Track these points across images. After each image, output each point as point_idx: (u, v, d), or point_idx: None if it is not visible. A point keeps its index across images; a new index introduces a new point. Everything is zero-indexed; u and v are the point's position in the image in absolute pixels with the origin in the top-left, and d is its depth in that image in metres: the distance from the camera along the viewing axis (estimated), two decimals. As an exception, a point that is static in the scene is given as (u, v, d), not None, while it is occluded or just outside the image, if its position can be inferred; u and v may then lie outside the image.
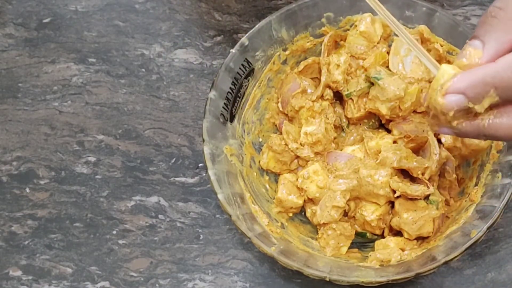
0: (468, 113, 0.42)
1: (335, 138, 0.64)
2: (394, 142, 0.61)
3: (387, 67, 0.63)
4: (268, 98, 0.66)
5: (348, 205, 0.61)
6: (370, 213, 0.60)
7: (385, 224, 0.61)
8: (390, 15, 0.49)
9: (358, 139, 0.64)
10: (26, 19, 0.77)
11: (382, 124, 0.64)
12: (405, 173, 0.60)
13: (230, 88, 0.62)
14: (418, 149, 0.61)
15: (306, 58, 0.65)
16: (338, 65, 0.62)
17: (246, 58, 0.63)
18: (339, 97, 0.65)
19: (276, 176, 0.65)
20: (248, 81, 0.64)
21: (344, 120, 0.65)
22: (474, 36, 0.43)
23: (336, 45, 0.66)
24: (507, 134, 0.43)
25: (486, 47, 0.43)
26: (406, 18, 0.63)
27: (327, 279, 0.54)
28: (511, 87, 0.41)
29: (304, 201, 0.62)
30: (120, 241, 0.66)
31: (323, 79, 0.63)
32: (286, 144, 0.63)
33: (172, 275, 0.64)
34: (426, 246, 0.58)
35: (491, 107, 0.42)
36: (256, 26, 0.62)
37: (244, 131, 0.64)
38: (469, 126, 0.43)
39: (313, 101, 0.63)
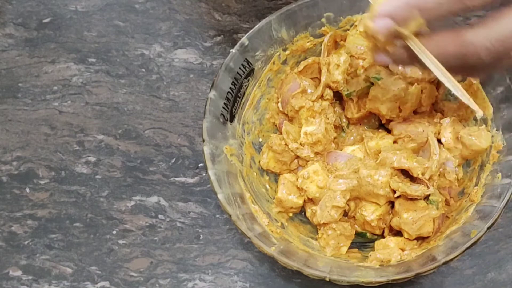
0: (399, 37, 0.44)
1: (335, 138, 0.64)
2: (394, 142, 0.61)
3: (387, 67, 0.63)
4: (268, 98, 0.66)
5: (348, 205, 0.61)
6: (370, 213, 0.60)
7: (385, 224, 0.61)
8: None
9: (358, 139, 0.64)
10: (26, 19, 0.77)
11: (382, 124, 0.64)
12: (405, 173, 0.60)
13: (230, 88, 0.62)
14: (418, 149, 0.61)
15: (306, 58, 0.65)
16: (338, 65, 0.62)
17: (246, 58, 0.63)
18: (339, 97, 0.65)
19: (276, 176, 0.65)
20: (248, 81, 0.64)
21: (344, 120, 0.65)
22: None
23: (336, 45, 0.66)
24: (437, 55, 0.44)
25: None
26: (406, 18, 0.63)
27: (327, 279, 0.54)
28: (434, 8, 0.42)
29: (304, 201, 0.62)
30: (120, 241, 0.66)
31: (323, 79, 0.63)
32: (286, 144, 0.63)
33: (172, 275, 0.64)
34: (426, 246, 0.58)
35: (421, 33, 0.44)
36: (256, 26, 0.62)
37: (244, 131, 0.64)
38: (402, 50, 0.45)
39: (313, 101, 0.63)
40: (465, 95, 0.45)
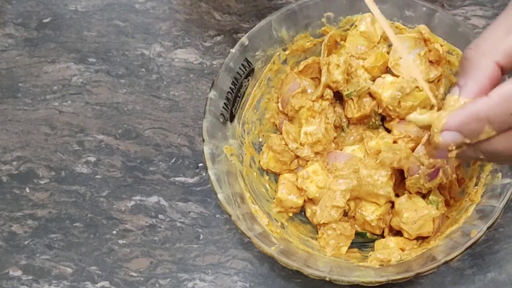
0: (467, 144, 0.42)
1: (335, 138, 0.64)
2: (394, 142, 0.61)
3: (387, 67, 0.63)
4: (268, 98, 0.66)
5: (348, 205, 0.61)
6: (370, 213, 0.60)
7: (385, 224, 0.61)
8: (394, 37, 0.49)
9: (358, 139, 0.64)
10: (26, 19, 0.77)
11: (382, 124, 0.64)
12: (402, 174, 0.60)
13: (230, 88, 0.62)
14: (418, 149, 0.61)
15: (306, 58, 0.65)
16: (338, 65, 0.62)
17: (246, 58, 0.63)
18: (339, 97, 0.65)
19: (276, 176, 0.65)
20: (248, 81, 0.64)
21: (344, 120, 0.65)
22: (454, 84, 0.44)
23: (336, 45, 0.66)
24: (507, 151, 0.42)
25: (464, 89, 0.42)
26: (406, 18, 0.63)
27: (327, 279, 0.54)
28: (507, 120, 0.40)
29: (304, 201, 0.62)
30: (120, 241, 0.66)
31: (323, 79, 0.63)
32: (286, 144, 0.63)
33: (172, 275, 0.64)
34: (426, 246, 0.58)
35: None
36: (256, 26, 0.62)
37: (244, 131, 0.64)
38: (468, 151, 0.43)
39: (313, 101, 0.63)
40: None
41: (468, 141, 0.41)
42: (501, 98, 0.40)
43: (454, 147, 0.42)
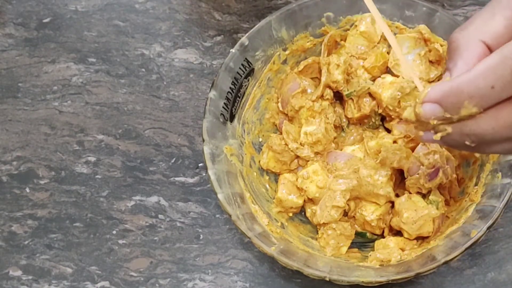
0: (450, 121, 0.41)
1: (335, 138, 0.64)
2: (394, 142, 0.61)
3: (387, 67, 0.63)
4: (268, 98, 0.66)
5: (348, 205, 0.61)
6: (370, 213, 0.60)
7: (385, 224, 0.61)
8: (386, 27, 0.48)
9: (358, 139, 0.64)
10: (26, 19, 0.77)
11: (382, 124, 0.64)
12: (403, 173, 0.60)
13: (230, 88, 0.62)
14: (418, 149, 0.61)
15: (306, 58, 0.65)
16: (338, 65, 0.62)
17: (246, 58, 0.63)
18: (339, 97, 0.65)
19: (276, 176, 0.65)
20: (248, 81, 0.64)
21: (344, 120, 0.65)
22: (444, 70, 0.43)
23: (336, 45, 0.66)
24: (494, 132, 0.40)
25: (454, 71, 0.42)
26: (406, 18, 0.63)
27: (327, 279, 0.54)
28: (487, 94, 0.39)
29: (304, 201, 0.62)
30: (120, 241, 0.66)
31: (323, 79, 0.63)
32: (286, 144, 0.63)
33: (172, 275, 0.64)
34: (426, 246, 0.58)
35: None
36: (256, 26, 0.62)
37: (244, 131, 0.64)
38: (454, 135, 0.42)
39: (313, 101, 0.63)
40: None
41: (448, 115, 0.40)
42: (481, 71, 0.39)
43: (435, 121, 0.41)
